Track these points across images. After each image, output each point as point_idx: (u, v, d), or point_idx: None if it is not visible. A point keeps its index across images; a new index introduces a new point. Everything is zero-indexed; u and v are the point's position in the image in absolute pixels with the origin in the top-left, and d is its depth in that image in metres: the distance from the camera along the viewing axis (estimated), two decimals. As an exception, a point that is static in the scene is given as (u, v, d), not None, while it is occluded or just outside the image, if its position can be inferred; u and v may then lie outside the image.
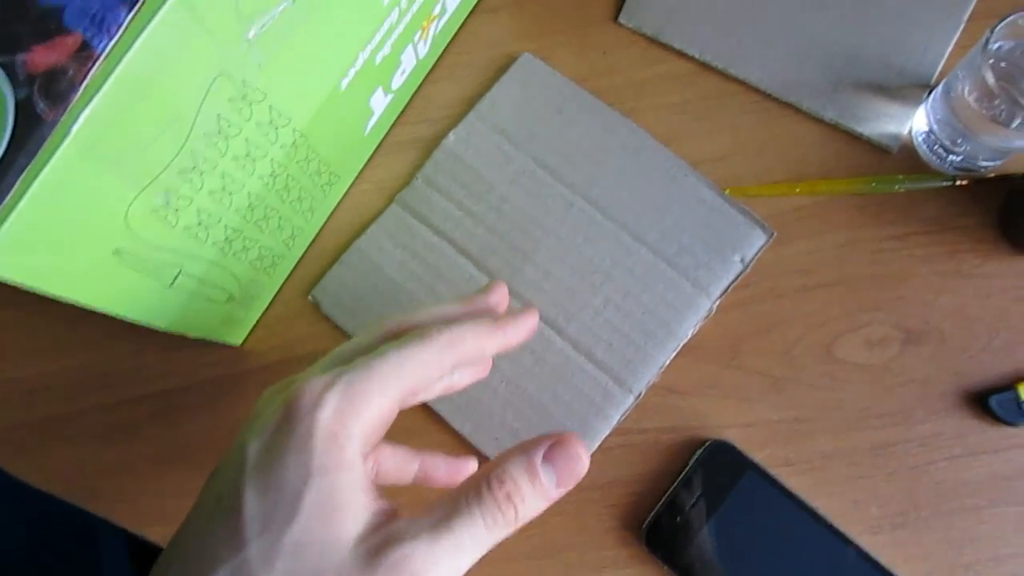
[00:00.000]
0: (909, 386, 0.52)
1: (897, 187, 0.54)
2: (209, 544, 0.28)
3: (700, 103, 0.58)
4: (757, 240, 0.54)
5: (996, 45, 0.49)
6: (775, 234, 0.54)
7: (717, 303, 0.53)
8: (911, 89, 0.56)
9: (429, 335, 0.32)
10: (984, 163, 0.53)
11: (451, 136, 0.57)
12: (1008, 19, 0.47)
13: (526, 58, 0.59)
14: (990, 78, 0.46)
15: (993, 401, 0.50)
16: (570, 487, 0.31)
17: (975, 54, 0.48)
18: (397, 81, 0.54)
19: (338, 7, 0.42)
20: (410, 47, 0.53)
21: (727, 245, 0.54)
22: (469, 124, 0.57)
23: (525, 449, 0.31)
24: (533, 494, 0.30)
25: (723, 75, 0.58)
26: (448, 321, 0.33)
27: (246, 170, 0.42)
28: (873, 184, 0.54)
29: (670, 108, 0.57)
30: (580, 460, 0.31)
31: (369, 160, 0.57)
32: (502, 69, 0.59)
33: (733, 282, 0.53)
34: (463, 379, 0.40)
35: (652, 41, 0.59)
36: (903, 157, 0.55)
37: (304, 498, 0.28)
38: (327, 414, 0.29)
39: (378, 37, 0.48)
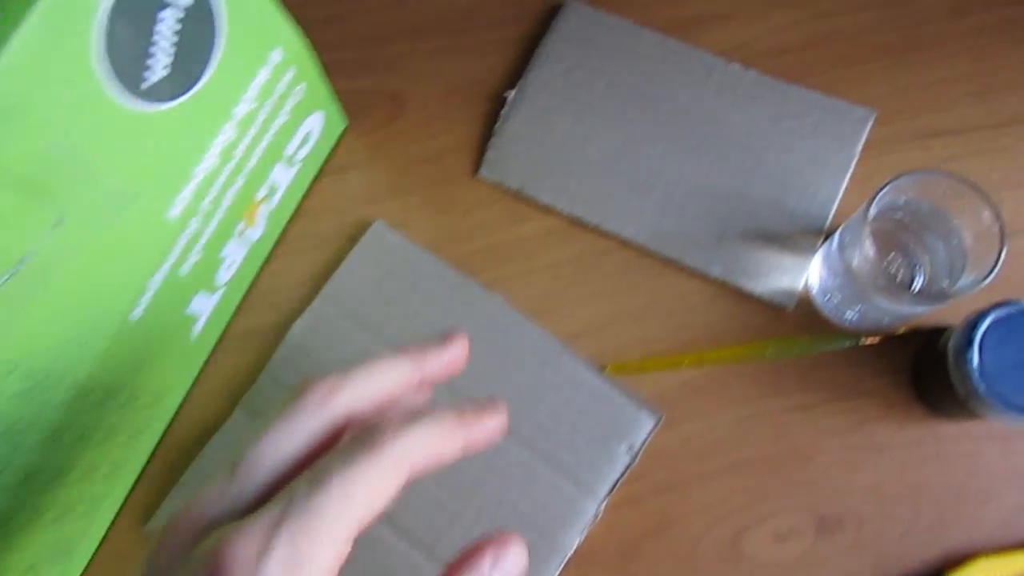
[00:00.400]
0: (826, 585, 0.45)
1: (797, 351, 0.48)
2: None
3: (572, 265, 0.51)
4: (644, 425, 0.47)
5: (885, 202, 0.44)
6: (663, 417, 0.47)
7: (605, 503, 0.46)
8: (804, 237, 0.50)
9: (378, 446, 0.25)
10: (888, 321, 0.47)
11: (297, 326, 0.50)
12: (889, 185, 0.41)
13: (378, 227, 0.52)
14: (869, 250, 0.41)
15: (920, 601, 0.44)
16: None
17: (858, 219, 0.42)
18: (224, 276, 0.47)
19: (94, 251, 0.36)
20: (232, 241, 0.46)
21: (611, 434, 0.47)
22: (316, 311, 0.50)
23: (472, 566, 0.26)
24: None
25: (596, 231, 0.51)
26: (402, 417, 0.27)
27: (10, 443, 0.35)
28: (769, 350, 0.48)
29: (539, 273, 0.51)
30: (521, 560, 0.27)
31: (208, 360, 0.50)
32: (353, 238, 0.52)
33: (621, 476, 0.47)
34: None
35: (516, 196, 0.52)
36: (801, 314, 0.49)
37: None
38: None
39: (175, 254, 0.41)
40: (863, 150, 0.51)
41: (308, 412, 0.27)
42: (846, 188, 0.51)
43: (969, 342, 0.41)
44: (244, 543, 0.23)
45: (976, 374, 0.40)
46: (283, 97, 0.45)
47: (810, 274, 0.50)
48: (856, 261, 0.43)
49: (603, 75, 0.53)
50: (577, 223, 0.52)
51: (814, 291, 0.49)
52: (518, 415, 0.47)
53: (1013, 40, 0.52)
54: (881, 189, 0.41)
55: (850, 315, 0.47)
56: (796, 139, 0.51)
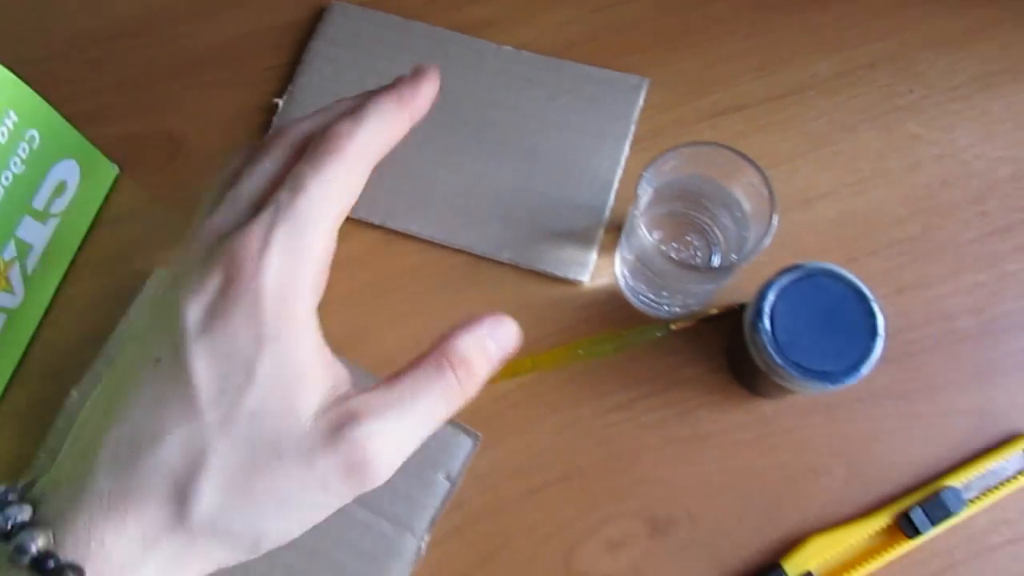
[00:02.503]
0: (665, 590, 0.42)
1: (610, 349, 0.45)
2: (156, 410, 0.26)
3: (368, 273, 0.48)
4: (462, 449, 0.44)
5: (665, 183, 0.43)
6: (481, 437, 0.44)
7: (427, 539, 0.42)
8: (589, 216, 0.49)
9: (339, 148, 0.30)
10: (696, 304, 0.45)
11: (73, 394, 0.45)
12: (651, 167, 0.39)
13: (159, 276, 0.47)
14: (644, 235, 0.40)
15: (759, 591, 0.41)
16: (506, 356, 0.31)
17: (632, 212, 0.40)
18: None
19: None
20: (-21, 312, 0.41)
21: (427, 464, 0.44)
22: (95, 375, 0.46)
23: (470, 330, 0.30)
24: (481, 371, 0.30)
25: (382, 229, 0.48)
26: (351, 117, 0.31)
27: None
28: (581, 351, 0.45)
29: (333, 288, 0.47)
30: (515, 335, 0.31)
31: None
32: (135, 290, 0.48)
33: (441, 506, 0.43)
34: None
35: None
36: (612, 309, 0.47)
37: (258, 368, 0.26)
38: (273, 277, 0.27)
39: None
40: (652, 135, 0.50)
41: (278, 142, 0.32)
42: (627, 170, 0.49)
43: (759, 312, 0.39)
44: (248, 242, 0.28)
45: (769, 344, 0.39)
46: (8, 146, 0.41)
47: (614, 268, 0.48)
48: (641, 247, 0.41)
49: (372, 72, 0.51)
50: (362, 223, 0.49)
51: (620, 285, 0.47)
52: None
53: (786, 11, 0.52)
54: (645, 171, 0.39)
55: (665, 304, 0.46)
56: (573, 114, 0.50)
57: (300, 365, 0.27)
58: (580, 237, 0.48)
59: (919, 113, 0.50)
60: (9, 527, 0.25)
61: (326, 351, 0.29)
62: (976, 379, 0.45)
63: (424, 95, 0.34)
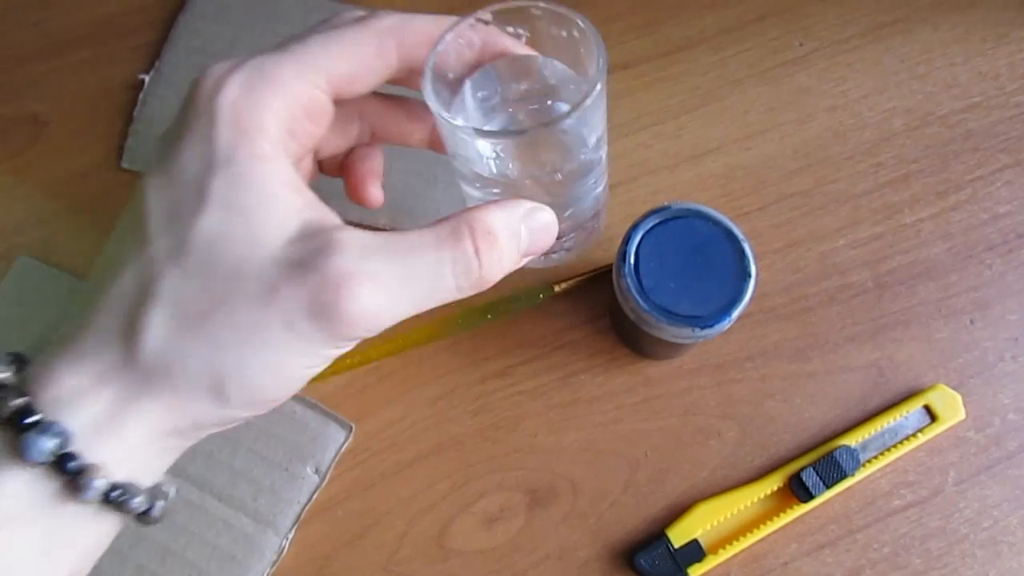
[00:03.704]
0: (544, 565, 0.39)
1: (491, 317, 0.42)
2: (118, 248, 0.25)
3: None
4: (333, 441, 0.42)
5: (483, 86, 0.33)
6: (354, 427, 0.41)
7: (291, 537, 0.40)
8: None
9: (368, 18, 0.28)
10: (585, 226, 0.41)
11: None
12: (431, 62, 0.29)
13: (22, 263, 0.45)
14: (486, 149, 0.31)
15: (642, 560, 0.38)
16: (534, 254, 0.28)
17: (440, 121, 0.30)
18: None
19: None
20: None
21: (295, 457, 0.41)
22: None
23: (504, 207, 0.26)
24: (507, 252, 0.26)
25: None
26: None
27: None
28: (459, 322, 0.42)
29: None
30: (551, 231, 0.28)
31: None
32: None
33: (309, 501, 0.40)
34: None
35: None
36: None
37: (210, 190, 0.24)
38: (228, 98, 0.25)
39: None
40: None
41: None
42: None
43: (624, 256, 0.37)
44: (217, 66, 0.26)
45: (634, 289, 0.36)
46: None
47: None
48: (471, 151, 0.32)
49: (241, 42, 0.49)
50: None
51: None
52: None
53: (669, -31, 0.50)
54: (424, 76, 0.29)
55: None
56: None
57: (260, 190, 0.24)
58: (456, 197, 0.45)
59: (809, 66, 0.48)
60: None
61: (305, 193, 0.25)
62: (873, 335, 0.43)
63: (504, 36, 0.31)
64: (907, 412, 0.42)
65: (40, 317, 0.44)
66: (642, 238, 0.37)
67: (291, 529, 0.40)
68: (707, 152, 0.47)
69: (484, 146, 0.31)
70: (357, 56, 0.27)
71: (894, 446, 0.41)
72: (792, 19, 0.49)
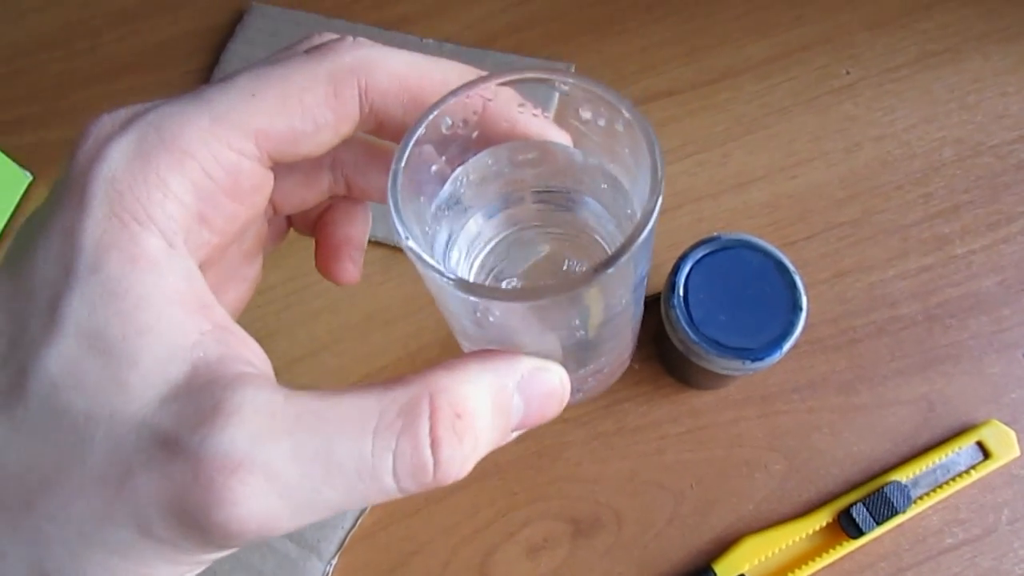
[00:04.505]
0: (587, 597, 0.39)
1: (530, 340, 0.42)
2: None
3: (282, 286, 0.45)
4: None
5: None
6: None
7: (335, 563, 0.40)
8: None
9: (323, 51, 0.20)
10: (612, 364, 0.34)
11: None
12: (406, 154, 0.20)
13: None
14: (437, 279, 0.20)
15: (687, 595, 0.38)
16: (531, 427, 0.20)
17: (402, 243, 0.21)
18: None
19: None
20: None
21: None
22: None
23: (492, 368, 0.18)
24: (484, 438, 0.18)
25: None
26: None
27: None
28: (499, 343, 0.42)
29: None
30: (560, 397, 0.20)
31: None
32: None
33: (353, 526, 0.40)
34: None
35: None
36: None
37: (64, 308, 0.16)
38: (106, 172, 0.17)
39: None
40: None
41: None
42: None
43: (673, 287, 0.36)
44: (106, 119, 0.18)
45: (683, 321, 0.36)
46: None
47: None
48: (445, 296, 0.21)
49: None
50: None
51: None
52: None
53: (712, 0, 0.50)
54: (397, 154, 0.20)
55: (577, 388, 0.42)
56: None
57: (138, 314, 0.16)
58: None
59: (857, 95, 0.48)
60: None
61: (210, 309, 0.18)
62: (923, 368, 0.42)
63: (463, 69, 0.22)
64: (959, 448, 0.41)
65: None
66: (691, 269, 0.37)
67: (335, 555, 0.40)
68: (753, 180, 0.46)
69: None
70: (300, 107, 0.19)
71: (946, 483, 0.40)
72: (839, 47, 0.49)
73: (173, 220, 0.18)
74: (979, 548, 0.39)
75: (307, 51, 0.20)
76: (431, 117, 0.20)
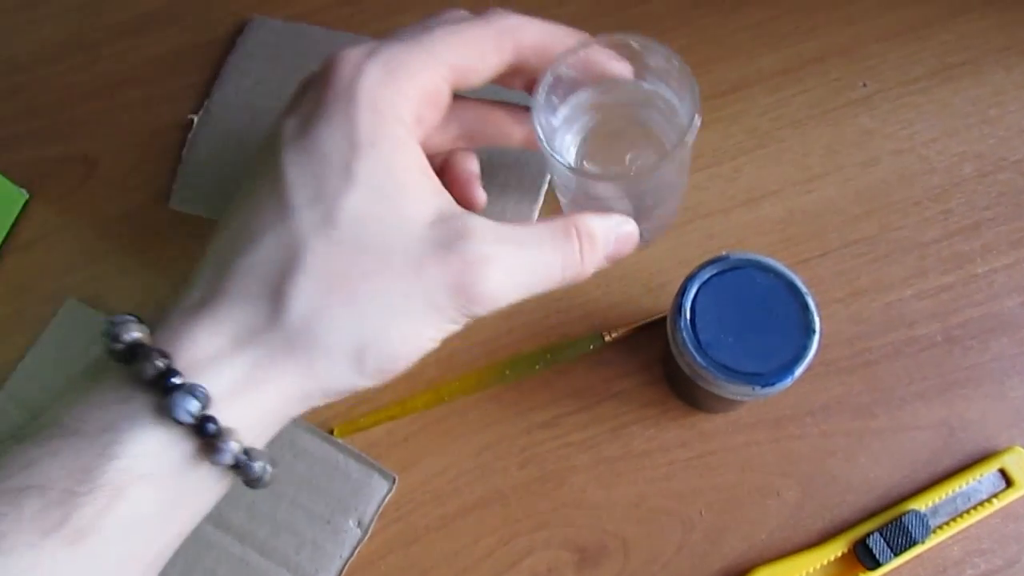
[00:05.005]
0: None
1: (539, 367, 0.41)
2: (254, 216, 0.26)
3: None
4: (376, 492, 0.41)
5: (577, 103, 0.37)
6: (396, 479, 0.40)
7: None
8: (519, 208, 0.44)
9: (488, 16, 0.30)
10: (664, 226, 0.42)
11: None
12: (542, 88, 0.33)
13: (70, 306, 0.45)
14: (562, 162, 0.32)
15: (696, 629, 0.36)
16: (616, 260, 0.32)
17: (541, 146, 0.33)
18: None
19: None
20: None
21: (338, 509, 0.40)
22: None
23: (602, 216, 0.31)
24: (600, 254, 0.30)
25: None
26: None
27: None
28: (506, 372, 0.41)
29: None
30: (632, 242, 0.32)
31: None
32: (46, 316, 0.45)
33: (351, 556, 0.39)
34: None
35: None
36: (541, 317, 0.43)
37: (357, 171, 0.25)
38: (368, 84, 0.27)
39: None
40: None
41: (436, 15, 0.32)
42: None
43: (679, 309, 0.35)
44: (350, 52, 0.28)
45: (691, 344, 0.35)
46: None
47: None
48: (565, 179, 0.35)
49: (292, 83, 0.48)
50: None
51: None
52: (227, 501, 0.39)
53: (724, 11, 0.49)
54: (535, 94, 0.33)
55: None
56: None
57: (403, 176, 0.26)
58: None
59: (873, 108, 0.46)
60: (119, 337, 0.25)
61: (431, 174, 0.28)
62: (942, 391, 0.41)
63: (615, 60, 0.33)
64: (980, 475, 0.39)
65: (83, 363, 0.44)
66: (698, 290, 0.36)
67: (332, 583, 0.39)
68: (765, 195, 0.45)
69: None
70: (478, 50, 0.29)
71: (967, 512, 0.39)
72: (855, 59, 0.48)
73: (408, 117, 0.27)
74: (1002, 580, 0.37)
75: (477, 16, 0.30)
76: (557, 64, 0.32)
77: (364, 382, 0.27)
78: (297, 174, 0.26)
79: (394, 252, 0.26)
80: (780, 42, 0.48)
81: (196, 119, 0.49)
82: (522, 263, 0.27)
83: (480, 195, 0.36)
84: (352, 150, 0.26)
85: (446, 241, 0.26)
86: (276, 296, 0.25)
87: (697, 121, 0.32)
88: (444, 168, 0.36)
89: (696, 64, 0.46)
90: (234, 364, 0.25)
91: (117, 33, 0.53)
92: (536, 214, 0.45)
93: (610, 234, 0.31)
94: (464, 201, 0.35)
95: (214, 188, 0.47)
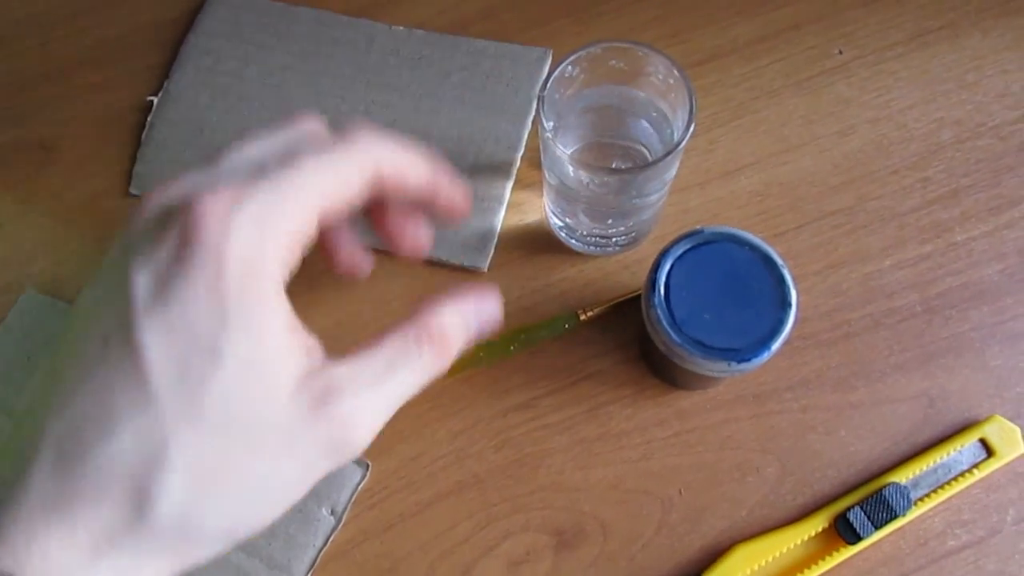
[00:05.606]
0: (571, 612, 0.37)
1: (513, 349, 0.40)
2: (105, 398, 0.23)
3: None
4: (350, 479, 0.40)
5: (571, 102, 0.39)
6: (370, 466, 0.39)
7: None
8: (491, 190, 0.43)
9: (351, 139, 0.27)
10: (638, 236, 0.43)
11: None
12: (550, 83, 0.36)
13: (27, 299, 0.43)
14: (562, 154, 0.36)
15: (677, 609, 0.36)
16: (483, 336, 0.30)
17: (542, 136, 0.36)
18: None
19: None
20: None
21: (310, 497, 0.39)
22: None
23: (455, 305, 0.28)
24: (460, 345, 0.28)
25: None
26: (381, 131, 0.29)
27: None
28: (481, 355, 0.40)
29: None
30: (496, 316, 0.30)
31: None
32: (5, 306, 0.44)
33: (324, 545, 0.38)
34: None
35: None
36: (515, 298, 0.42)
37: (224, 348, 0.23)
38: (239, 246, 0.23)
39: None
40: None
41: (293, 128, 0.28)
42: (530, 147, 0.45)
43: (653, 285, 0.34)
44: (214, 203, 0.24)
45: (665, 321, 0.34)
46: None
47: (546, 212, 0.44)
48: (561, 171, 0.38)
49: (253, 61, 0.47)
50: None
51: (560, 233, 0.44)
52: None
53: (700, -23, 0.48)
54: (543, 91, 0.35)
55: (614, 237, 0.42)
56: (469, 91, 0.47)
57: (272, 343, 0.24)
58: (477, 223, 0.43)
59: (850, 75, 0.46)
60: None
61: (298, 326, 0.26)
62: (922, 362, 0.40)
63: (455, 194, 0.32)
64: (961, 446, 0.39)
65: (44, 353, 0.42)
66: (672, 265, 0.35)
67: (307, 574, 0.38)
68: (741, 168, 0.44)
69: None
70: (346, 182, 0.27)
71: (948, 483, 0.38)
72: (830, 26, 0.47)
73: (278, 271, 0.25)
74: (984, 550, 0.37)
75: (336, 143, 0.27)
76: (562, 66, 0.35)
77: (232, 547, 0.26)
78: (158, 353, 0.23)
79: (265, 429, 0.24)
80: (755, 10, 0.47)
81: (156, 101, 0.47)
82: (384, 397, 0.26)
83: (421, 241, 0.34)
84: (221, 325, 0.23)
85: (313, 403, 0.25)
86: (140, 495, 0.22)
87: (691, 129, 0.34)
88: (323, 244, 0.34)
89: (669, 34, 0.45)
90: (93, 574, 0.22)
91: (69, 14, 0.51)
92: (508, 192, 0.44)
93: (468, 323, 0.29)
94: (350, 271, 0.35)
95: (176, 172, 0.45)
